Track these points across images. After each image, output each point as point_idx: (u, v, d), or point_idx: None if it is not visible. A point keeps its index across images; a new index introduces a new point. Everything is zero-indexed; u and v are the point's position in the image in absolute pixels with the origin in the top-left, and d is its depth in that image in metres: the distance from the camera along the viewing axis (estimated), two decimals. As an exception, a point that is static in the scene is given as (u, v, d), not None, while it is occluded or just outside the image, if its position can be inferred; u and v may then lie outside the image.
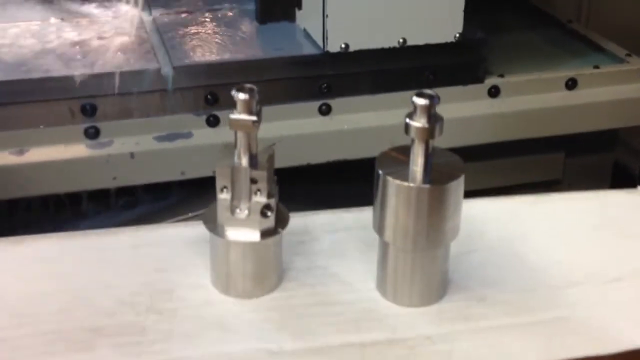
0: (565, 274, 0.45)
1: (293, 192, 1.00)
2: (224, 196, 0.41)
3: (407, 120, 0.40)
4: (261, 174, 0.41)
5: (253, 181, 0.41)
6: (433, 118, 0.40)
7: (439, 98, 0.40)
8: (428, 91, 0.40)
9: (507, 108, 1.04)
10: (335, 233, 0.48)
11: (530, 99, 1.04)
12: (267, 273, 0.43)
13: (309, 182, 1.05)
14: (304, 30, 1.05)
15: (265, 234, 0.42)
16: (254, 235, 0.41)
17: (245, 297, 0.43)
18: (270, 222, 0.41)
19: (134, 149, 0.95)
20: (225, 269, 0.42)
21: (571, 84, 1.05)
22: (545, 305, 0.42)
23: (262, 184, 0.41)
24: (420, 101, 0.40)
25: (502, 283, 0.44)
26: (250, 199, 0.41)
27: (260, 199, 0.41)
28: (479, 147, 1.02)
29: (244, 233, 0.41)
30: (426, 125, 0.40)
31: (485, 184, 1.05)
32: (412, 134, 0.40)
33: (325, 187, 1.06)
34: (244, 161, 0.40)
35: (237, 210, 0.41)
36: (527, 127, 1.05)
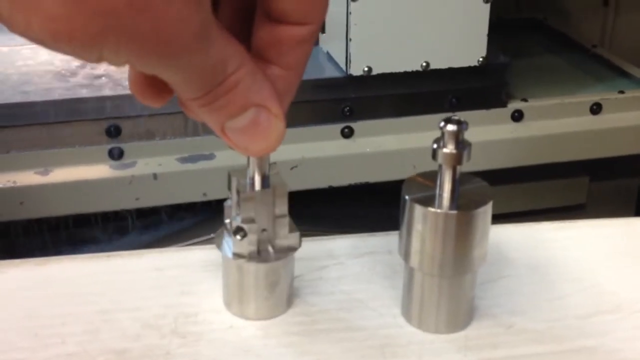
0: (593, 302, 0.44)
1: (314, 213, 1.00)
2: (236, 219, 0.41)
3: (435, 146, 0.40)
4: (282, 191, 0.40)
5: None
6: (461, 144, 0.40)
7: (467, 124, 0.40)
8: (456, 117, 0.40)
9: (530, 132, 1.04)
10: (360, 257, 0.48)
11: (554, 123, 1.04)
12: (283, 292, 0.42)
13: (330, 204, 1.05)
14: (327, 53, 1.06)
15: (277, 256, 0.41)
16: (273, 255, 0.41)
17: (261, 319, 0.42)
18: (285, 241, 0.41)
19: (157, 170, 0.96)
20: (239, 291, 0.42)
21: (596, 109, 1.04)
22: (573, 334, 0.42)
23: (283, 202, 0.41)
24: (449, 127, 0.40)
25: (529, 311, 0.43)
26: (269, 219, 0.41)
27: (283, 217, 0.41)
28: (502, 171, 1.01)
29: (262, 254, 0.41)
30: (454, 151, 0.40)
31: (508, 208, 1.04)
32: (440, 159, 0.40)
33: (347, 210, 1.06)
34: (258, 183, 0.40)
35: (256, 233, 0.41)
36: (550, 151, 1.04)
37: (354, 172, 1.02)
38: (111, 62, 0.30)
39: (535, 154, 1.04)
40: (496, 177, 1.06)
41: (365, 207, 1.06)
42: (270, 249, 0.42)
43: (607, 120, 1.05)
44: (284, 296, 0.43)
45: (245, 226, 0.41)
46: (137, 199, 0.97)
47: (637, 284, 0.46)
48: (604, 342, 0.41)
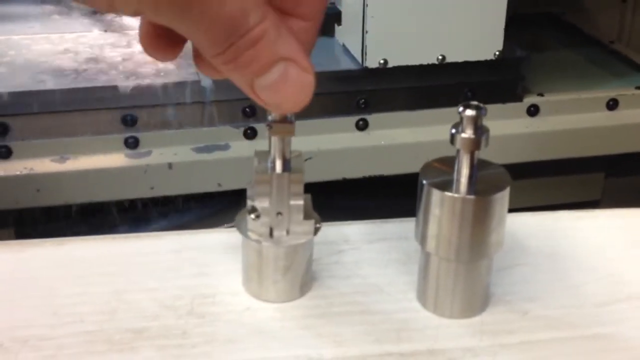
0: (609, 290, 0.44)
1: (327, 205, 1.00)
2: (258, 202, 0.41)
3: (453, 130, 0.40)
4: (299, 177, 0.41)
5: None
6: (480, 129, 0.40)
7: (486, 109, 0.40)
8: (475, 102, 0.40)
9: (546, 127, 1.03)
10: (376, 243, 0.48)
11: (569, 118, 1.04)
12: (296, 277, 0.43)
13: (344, 196, 1.05)
14: (343, 45, 1.06)
15: (297, 237, 0.42)
16: (287, 239, 0.41)
17: (277, 301, 0.43)
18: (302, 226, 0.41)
19: (172, 159, 0.97)
20: (255, 272, 0.43)
21: (612, 104, 1.04)
22: (588, 321, 0.42)
23: (299, 188, 0.41)
24: (468, 112, 0.40)
25: (545, 298, 0.43)
26: (288, 203, 0.41)
27: (298, 202, 0.41)
28: (516, 166, 1.01)
29: (275, 236, 0.41)
30: (473, 136, 0.40)
31: (523, 203, 1.04)
32: (458, 144, 0.40)
33: (361, 202, 1.06)
34: (279, 166, 0.41)
35: (270, 215, 0.41)
36: (566, 146, 1.04)
37: (369, 165, 1.02)
38: (123, 11, 0.29)
39: (551, 149, 1.04)
40: (511, 172, 1.06)
41: (379, 199, 1.06)
42: (285, 233, 0.42)
43: (623, 116, 1.05)
44: (298, 281, 0.43)
45: (259, 207, 0.41)
46: (152, 188, 0.97)
47: (653, 273, 0.46)
48: (618, 330, 0.41)
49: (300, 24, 0.34)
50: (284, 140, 0.40)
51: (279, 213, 0.41)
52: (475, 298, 0.42)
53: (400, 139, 1.02)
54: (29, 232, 0.99)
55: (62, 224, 1.00)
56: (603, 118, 1.04)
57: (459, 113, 0.40)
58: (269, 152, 0.41)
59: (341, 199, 1.04)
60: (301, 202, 0.41)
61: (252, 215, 0.41)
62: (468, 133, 0.40)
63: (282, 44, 0.32)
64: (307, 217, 0.42)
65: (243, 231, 0.42)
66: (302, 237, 0.42)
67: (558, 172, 1.09)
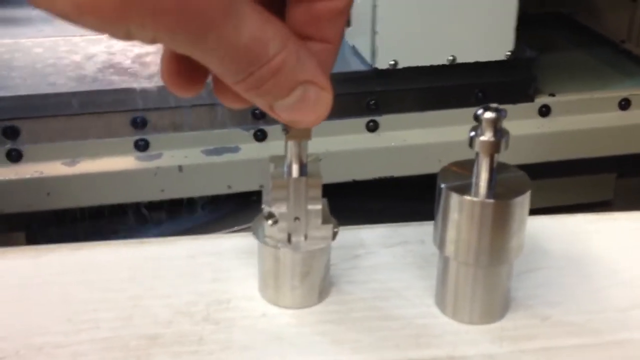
0: (632, 295, 0.43)
1: (337, 207, 1.00)
2: (275, 207, 0.40)
3: (472, 133, 0.40)
4: (316, 181, 0.40)
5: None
6: (499, 132, 0.39)
7: (505, 112, 0.40)
8: (494, 105, 0.40)
9: (557, 127, 1.03)
10: (392, 247, 0.47)
11: (581, 118, 1.03)
12: (315, 283, 0.42)
13: (353, 198, 1.04)
14: (353, 47, 1.06)
15: (315, 242, 0.41)
16: (305, 244, 0.41)
17: (294, 307, 0.42)
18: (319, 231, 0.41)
19: (183, 162, 0.96)
20: (272, 278, 0.42)
21: (624, 104, 1.03)
22: (611, 326, 0.41)
23: (316, 192, 0.40)
24: (487, 115, 0.39)
25: (566, 303, 0.43)
26: (305, 207, 0.41)
27: (316, 206, 0.41)
28: (528, 167, 1.00)
29: (293, 242, 0.41)
30: (492, 139, 0.39)
31: (534, 204, 1.03)
32: (477, 147, 0.40)
33: (371, 204, 1.05)
34: (296, 171, 0.40)
35: (287, 220, 0.41)
36: (578, 147, 1.03)
37: (379, 166, 1.01)
38: (140, 39, 0.29)
39: (562, 150, 1.03)
40: (522, 173, 1.06)
41: (389, 201, 1.06)
42: (302, 238, 0.41)
43: (635, 115, 1.04)
44: (316, 287, 0.42)
45: (276, 212, 0.40)
46: (162, 190, 0.97)
47: (675, 277, 0.45)
48: (642, 335, 0.41)
49: (321, 46, 0.34)
50: (300, 144, 0.40)
51: (296, 218, 0.41)
52: (495, 303, 0.42)
53: (410, 140, 1.01)
54: (40, 236, 0.99)
55: (72, 227, 1.00)
56: (615, 118, 1.04)
57: (479, 116, 0.39)
58: (284, 156, 0.41)
59: (351, 201, 1.04)
60: (319, 207, 0.41)
61: (270, 221, 0.40)
62: (487, 136, 0.39)
63: (302, 69, 0.32)
64: (325, 221, 0.41)
65: (260, 237, 0.41)
66: (321, 242, 0.41)
67: (570, 173, 1.08)
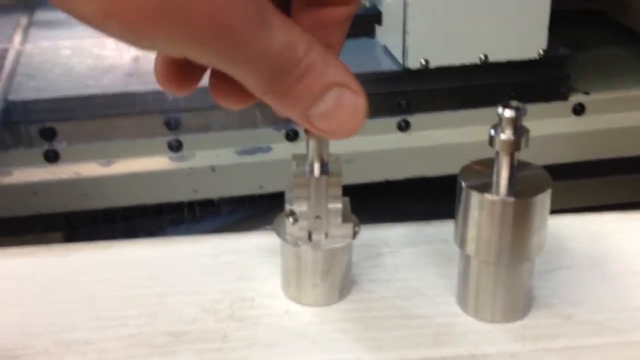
0: (656, 294, 0.43)
1: (371, 207, 1.00)
2: (297, 205, 0.41)
3: (492, 132, 0.40)
4: (337, 180, 0.40)
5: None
6: (519, 130, 0.39)
7: (525, 110, 0.40)
8: (514, 102, 0.40)
9: (592, 126, 1.01)
10: (415, 246, 0.47)
11: (616, 117, 1.02)
12: (335, 281, 0.43)
13: (386, 198, 1.04)
14: (384, 46, 1.06)
15: (336, 241, 0.42)
16: (325, 243, 0.41)
17: (316, 305, 0.43)
18: (339, 230, 0.41)
19: (215, 162, 0.97)
20: (294, 276, 0.43)
21: (660, 102, 1.02)
22: (633, 325, 0.41)
23: (337, 191, 0.41)
24: (507, 113, 0.39)
25: (589, 302, 0.42)
26: (325, 206, 0.41)
27: (336, 205, 0.41)
28: (563, 166, 0.99)
29: (314, 240, 0.42)
30: (512, 138, 0.39)
31: (569, 204, 1.02)
32: (497, 146, 0.40)
33: (403, 204, 1.05)
34: (317, 170, 0.41)
35: (308, 218, 0.41)
36: (613, 146, 1.02)
37: (411, 166, 1.01)
38: (166, 51, 0.28)
39: (598, 149, 1.02)
40: (557, 172, 1.04)
41: (421, 201, 1.05)
42: (323, 236, 0.42)
43: (672, 113, 1.02)
44: (337, 285, 0.43)
45: (297, 210, 0.41)
46: (195, 191, 0.98)
47: (702, 276, 0.44)
48: (665, 334, 0.40)
49: (337, 11, 0.33)
50: (321, 143, 0.40)
51: (317, 217, 0.41)
52: (516, 302, 0.42)
53: (442, 139, 1.01)
54: (78, 235, 1.01)
55: (109, 227, 1.01)
56: (651, 116, 1.02)
57: (498, 114, 0.39)
58: (306, 155, 0.41)
59: (384, 201, 1.04)
60: (339, 206, 0.41)
61: (291, 219, 0.41)
62: (507, 134, 0.39)
63: (332, 70, 0.31)
64: (345, 220, 0.42)
65: (281, 235, 0.42)
66: (341, 241, 0.42)
67: (606, 172, 1.07)
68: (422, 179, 1.01)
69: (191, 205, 1.03)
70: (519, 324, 0.42)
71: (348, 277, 0.44)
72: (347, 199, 0.43)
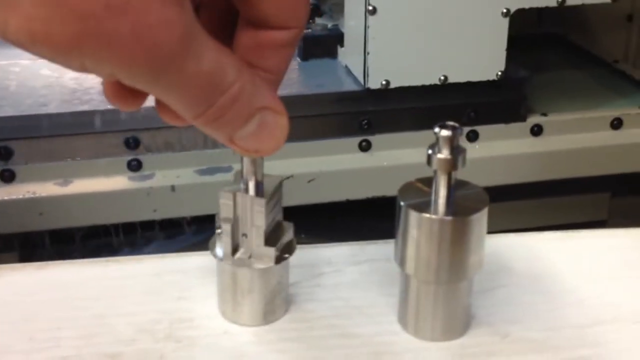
0: (593, 312, 0.43)
1: (332, 227, 1.00)
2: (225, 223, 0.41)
3: (430, 151, 0.40)
4: (260, 202, 0.40)
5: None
6: (456, 149, 0.40)
7: (462, 129, 0.40)
8: (451, 123, 0.40)
9: (550, 147, 1.02)
10: (358, 265, 0.47)
11: (574, 138, 1.03)
12: (259, 302, 0.42)
13: (347, 217, 1.04)
14: (346, 66, 1.06)
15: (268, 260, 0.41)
16: (248, 262, 0.41)
17: (242, 324, 0.43)
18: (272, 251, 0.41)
19: (175, 182, 0.97)
20: (221, 292, 0.43)
21: (617, 124, 1.03)
22: (571, 343, 0.41)
23: (260, 212, 0.40)
24: (443, 133, 0.40)
25: (527, 320, 0.43)
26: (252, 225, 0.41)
27: (259, 226, 0.41)
28: (521, 186, 1.00)
29: (236, 258, 0.41)
30: (449, 157, 0.39)
31: (527, 224, 1.03)
32: (435, 165, 0.40)
33: (365, 223, 1.05)
34: (250, 188, 0.40)
35: (240, 238, 0.41)
36: (571, 166, 1.03)
37: (372, 186, 1.01)
38: (96, 72, 0.28)
39: (555, 169, 1.03)
40: (515, 192, 1.06)
41: (382, 220, 1.05)
42: (247, 256, 0.41)
43: (628, 135, 1.03)
44: (260, 306, 0.42)
45: (222, 226, 0.41)
46: (154, 210, 0.97)
47: (639, 294, 0.45)
48: (600, 352, 0.40)
49: (263, 75, 0.34)
50: (255, 161, 0.40)
51: (243, 235, 0.41)
52: (455, 320, 0.42)
53: (403, 159, 1.01)
54: (34, 256, 0.99)
55: (66, 247, 1.00)
56: (608, 137, 1.03)
57: (435, 133, 0.40)
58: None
59: (344, 220, 1.04)
60: (262, 227, 0.41)
61: (217, 231, 0.41)
62: (444, 153, 0.40)
63: (258, 95, 0.32)
64: (270, 244, 0.41)
65: (211, 250, 0.42)
66: (261, 263, 0.41)
67: (563, 193, 1.08)
68: (384, 198, 1.01)
69: (151, 225, 1.02)
70: (457, 342, 0.42)
71: (276, 299, 0.43)
72: (289, 224, 0.42)
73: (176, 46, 0.28)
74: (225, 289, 0.43)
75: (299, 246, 0.48)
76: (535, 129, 1.02)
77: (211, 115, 0.31)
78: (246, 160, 0.40)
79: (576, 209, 1.10)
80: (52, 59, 0.28)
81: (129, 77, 0.29)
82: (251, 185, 0.40)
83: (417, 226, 0.40)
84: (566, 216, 1.07)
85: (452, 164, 0.40)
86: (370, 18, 0.96)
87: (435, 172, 0.40)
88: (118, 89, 0.33)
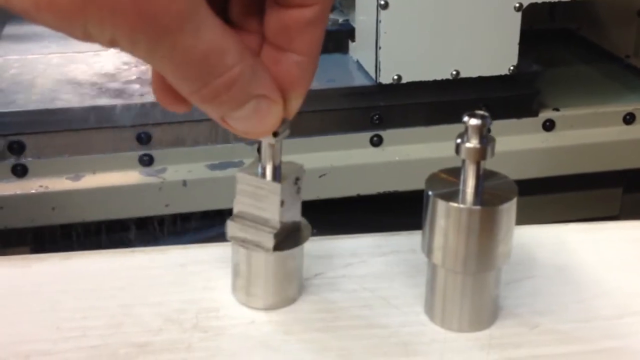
0: (620, 303, 0.43)
1: (342, 221, 1.00)
2: (240, 205, 0.41)
3: (458, 140, 0.40)
4: (274, 187, 0.40)
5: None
6: (485, 139, 0.39)
7: (490, 119, 0.40)
8: (480, 112, 0.40)
9: (562, 142, 1.02)
10: (384, 256, 0.47)
11: (586, 133, 1.03)
12: (284, 285, 0.43)
13: (358, 212, 1.04)
14: (357, 61, 1.06)
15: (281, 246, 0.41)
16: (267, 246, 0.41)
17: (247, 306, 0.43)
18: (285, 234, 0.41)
19: (187, 176, 0.97)
20: (243, 279, 0.43)
21: (629, 119, 1.03)
22: (599, 335, 0.41)
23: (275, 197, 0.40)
24: (473, 121, 0.39)
25: (555, 312, 0.42)
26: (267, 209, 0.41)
27: (266, 212, 0.41)
28: (533, 181, 1.00)
29: (247, 241, 0.42)
30: (478, 146, 0.39)
31: (540, 219, 1.03)
32: (463, 154, 0.40)
33: (375, 218, 1.05)
34: (268, 173, 0.40)
35: (253, 219, 0.41)
36: (583, 161, 1.03)
37: (383, 181, 1.01)
38: (98, 40, 0.29)
39: (567, 164, 1.03)
40: (527, 188, 1.05)
41: (393, 216, 1.05)
42: (262, 240, 0.41)
43: (640, 130, 1.04)
44: (269, 291, 0.43)
45: (236, 211, 0.41)
46: (166, 205, 0.97)
47: (666, 286, 0.45)
48: (629, 343, 0.40)
49: (297, 58, 0.34)
50: (273, 146, 0.40)
51: (258, 218, 0.41)
52: (483, 311, 0.42)
53: (414, 154, 1.01)
54: (46, 250, 0.99)
55: (78, 242, 1.00)
56: (620, 132, 1.03)
57: (464, 122, 0.39)
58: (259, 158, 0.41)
59: (356, 215, 1.04)
60: (277, 212, 0.41)
61: (231, 221, 0.41)
62: (473, 143, 0.39)
63: (257, 83, 0.33)
64: (288, 229, 0.41)
65: (227, 235, 0.42)
66: (273, 247, 0.41)
67: (575, 188, 1.08)
68: (395, 193, 1.01)
69: (162, 220, 1.02)
70: (485, 333, 0.41)
71: (279, 287, 0.43)
72: (303, 220, 0.42)
73: (174, 19, 0.29)
74: (237, 270, 0.43)
75: (323, 238, 0.48)
76: (548, 124, 1.02)
77: (206, 95, 0.31)
78: (264, 145, 0.40)
79: (588, 204, 1.09)
80: (56, 26, 0.29)
81: (129, 44, 0.29)
82: (269, 170, 0.40)
83: (445, 216, 0.40)
84: (578, 211, 1.07)
85: (481, 154, 0.39)
86: (382, 12, 0.96)
87: (463, 161, 0.40)
88: (166, 92, 0.34)
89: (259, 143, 0.40)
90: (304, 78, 0.35)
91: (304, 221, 0.43)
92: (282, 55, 0.34)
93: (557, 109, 1.03)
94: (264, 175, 0.41)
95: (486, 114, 0.40)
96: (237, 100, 0.32)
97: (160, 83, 0.34)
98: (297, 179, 0.41)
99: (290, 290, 0.43)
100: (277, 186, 0.40)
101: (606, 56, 1.18)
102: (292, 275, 0.43)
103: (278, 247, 0.41)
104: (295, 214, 0.42)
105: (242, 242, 0.42)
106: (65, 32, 0.29)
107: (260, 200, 0.41)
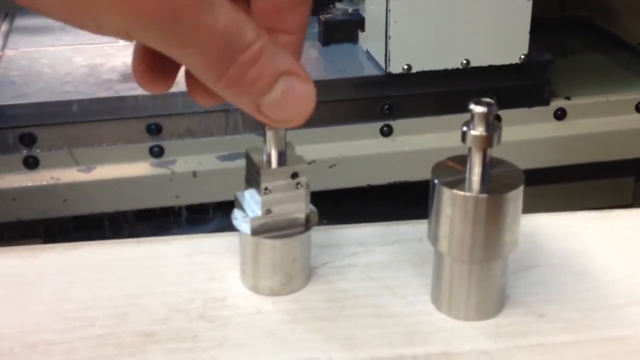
0: (628, 292, 0.43)
1: (352, 211, 0.99)
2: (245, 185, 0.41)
3: (464, 128, 0.39)
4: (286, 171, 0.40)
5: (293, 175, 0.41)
6: (491, 126, 0.39)
7: (497, 106, 0.39)
8: (486, 99, 0.39)
9: (573, 131, 1.02)
10: (390, 245, 0.47)
11: (597, 121, 1.02)
12: (291, 271, 0.43)
13: (369, 202, 1.04)
14: (367, 51, 1.06)
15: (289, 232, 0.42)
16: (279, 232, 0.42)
17: (269, 294, 0.43)
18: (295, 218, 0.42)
19: (197, 168, 0.97)
20: (250, 265, 0.43)
21: (641, 107, 1.02)
22: (607, 323, 0.41)
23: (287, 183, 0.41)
24: (478, 109, 0.39)
25: (562, 300, 0.42)
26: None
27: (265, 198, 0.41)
28: (544, 171, 1.00)
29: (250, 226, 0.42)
30: (484, 134, 0.39)
31: (552, 209, 1.02)
32: (470, 142, 0.39)
33: (386, 208, 1.05)
34: (273, 160, 0.40)
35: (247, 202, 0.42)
36: (594, 150, 1.02)
37: (393, 171, 1.01)
38: (112, 32, 0.29)
39: (579, 153, 1.02)
40: (539, 177, 1.05)
41: (404, 206, 1.05)
42: (270, 227, 0.42)
43: (653, 118, 1.03)
44: (277, 279, 0.43)
45: (239, 197, 0.42)
46: (177, 196, 0.98)
47: (675, 274, 0.44)
48: (637, 332, 0.40)
49: (286, 38, 0.34)
50: (277, 132, 0.40)
51: (248, 204, 0.41)
52: (490, 299, 0.41)
53: (425, 144, 1.01)
54: (57, 242, 1.00)
55: (89, 233, 1.01)
56: (632, 121, 1.02)
57: (470, 110, 0.39)
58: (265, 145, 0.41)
59: (366, 205, 1.04)
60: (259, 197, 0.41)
61: (236, 209, 0.42)
62: (479, 130, 0.39)
63: (281, 58, 0.31)
64: (292, 213, 0.41)
65: (233, 222, 0.42)
66: (280, 233, 0.42)
67: (587, 177, 1.07)
68: (405, 183, 1.01)
69: (173, 211, 1.02)
70: (491, 321, 0.41)
71: (285, 276, 0.43)
72: (312, 208, 0.42)
73: (190, 2, 0.28)
74: (244, 256, 0.43)
75: (329, 227, 0.48)
76: (559, 112, 1.01)
77: (233, 76, 0.30)
78: (269, 133, 0.40)
79: (600, 193, 1.09)
80: (68, 19, 0.28)
81: (144, 32, 0.29)
82: (274, 156, 0.40)
83: (451, 204, 0.40)
84: (590, 201, 1.07)
85: (487, 141, 0.39)
86: (392, 2, 0.95)
87: (469, 149, 0.40)
88: (145, 70, 0.33)
89: (264, 129, 0.40)
90: (297, 56, 0.34)
91: (312, 208, 0.43)
92: (273, 38, 0.33)
93: (568, 98, 1.02)
94: (269, 162, 0.41)
95: (492, 101, 0.39)
96: (265, 77, 0.31)
97: (141, 61, 0.33)
98: (295, 174, 0.41)
99: (295, 277, 0.43)
100: (264, 171, 0.40)
101: (618, 44, 1.17)
102: (295, 262, 0.43)
103: (257, 232, 0.41)
104: (296, 208, 0.42)
105: (235, 220, 0.42)
106: (77, 26, 0.28)
107: (252, 183, 0.42)
